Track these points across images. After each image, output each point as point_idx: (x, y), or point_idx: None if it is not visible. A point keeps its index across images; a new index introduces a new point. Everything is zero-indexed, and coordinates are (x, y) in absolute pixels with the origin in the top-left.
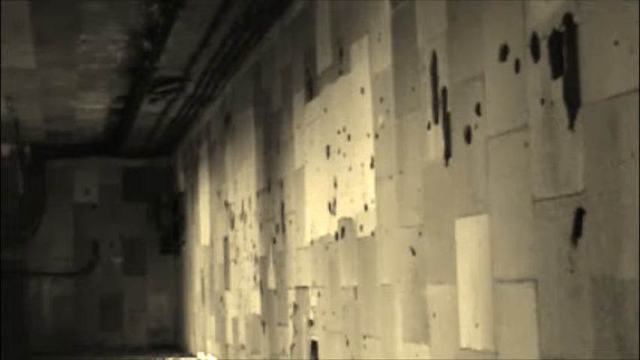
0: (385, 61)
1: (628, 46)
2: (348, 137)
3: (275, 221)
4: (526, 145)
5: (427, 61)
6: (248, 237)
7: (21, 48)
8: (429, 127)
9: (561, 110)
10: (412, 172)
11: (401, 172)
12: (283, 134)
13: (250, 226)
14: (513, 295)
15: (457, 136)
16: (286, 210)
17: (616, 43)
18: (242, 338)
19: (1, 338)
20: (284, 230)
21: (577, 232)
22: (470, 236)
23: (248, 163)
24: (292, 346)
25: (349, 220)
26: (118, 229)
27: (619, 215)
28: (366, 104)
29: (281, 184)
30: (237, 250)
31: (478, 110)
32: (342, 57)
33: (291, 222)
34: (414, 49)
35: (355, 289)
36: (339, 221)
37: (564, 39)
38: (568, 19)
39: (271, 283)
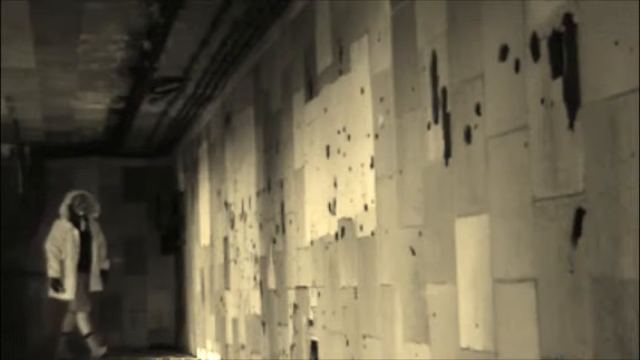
0: (385, 61)
1: (628, 46)
2: (348, 137)
3: (275, 221)
4: (526, 145)
5: (427, 61)
6: (248, 237)
7: (21, 48)
8: (429, 127)
9: (561, 110)
10: (412, 172)
11: (401, 172)
12: (283, 134)
13: (250, 226)
14: (513, 295)
15: (457, 136)
16: (286, 210)
17: (616, 43)
18: (242, 338)
19: (1, 338)
20: (284, 230)
21: (577, 232)
22: (470, 236)
23: (248, 163)
24: (292, 346)
25: (349, 220)
26: (118, 229)
27: (619, 215)
28: (366, 104)
29: (281, 184)
30: (237, 250)
31: (478, 110)
32: (342, 57)
33: (291, 222)
34: (414, 49)
35: (355, 289)
36: (339, 221)
37: (564, 39)
38: (568, 19)
39: (271, 283)
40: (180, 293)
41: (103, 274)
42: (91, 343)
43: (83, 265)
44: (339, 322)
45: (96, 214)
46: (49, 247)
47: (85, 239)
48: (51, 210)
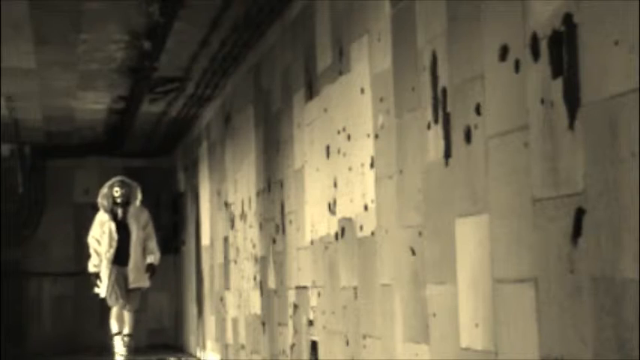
0: (385, 61)
1: (628, 46)
2: (348, 137)
3: (275, 221)
4: (526, 145)
5: (427, 61)
6: (248, 237)
7: (21, 48)
8: (429, 127)
9: (561, 110)
10: (412, 172)
11: (401, 172)
12: (283, 134)
13: (250, 226)
14: (513, 295)
15: (457, 136)
16: (286, 210)
17: (616, 43)
18: (242, 338)
19: (1, 338)
20: (284, 230)
21: (577, 232)
22: (470, 236)
23: (248, 163)
24: (292, 346)
25: (349, 220)
26: None
27: (619, 215)
28: (366, 104)
29: (281, 184)
30: (237, 250)
31: (478, 110)
32: (342, 57)
33: (291, 222)
34: (414, 49)
35: (355, 289)
36: (339, 221)
37: (564, 39)
38: (568, 19)
39: (271, 283)
40: (180, 293)
41: (150, 268)
42: (117, 342)
43: (120, 258)
44: (339, 322)
45: (137, 202)
46: (90, 240)
47: (123, 230)
48: (51, 210)
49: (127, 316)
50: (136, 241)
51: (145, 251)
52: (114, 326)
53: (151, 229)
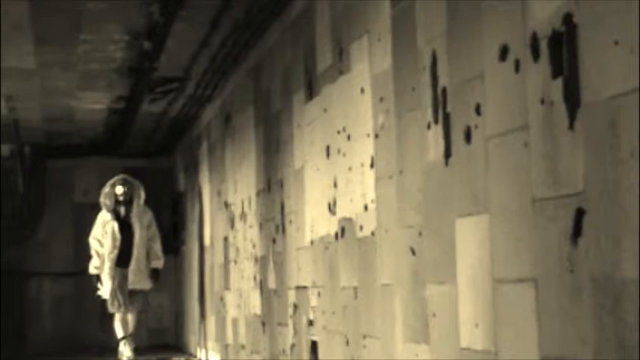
0: (385, 61)
1: (628, 46)
2: (348, 137)
3: (275, 221)
4: (526, 145)
5: (427, 61)
6: (248, 237)
7: (21, 48)
8: (429, 127)
9: (561, 110)
10: (412, 172)
11: (401, 172)
12: (283, 134)
13: (250, 226)
14: (513, 295)
15: (457, 136)
16: (286, 210)
17: (616, 43)
18: (242, 338)
19: (1, 338)
20: (284, 230)
21: (577, 232)
22: (470, 236)
23: (248, 163)
24: (292, 346)
25: (349, 220)
26: None
27: (619, 215)
28: (366, 104)
29: (281, 184)
30: (237, 250)
31: (478, 110)
32: (342, 57)
33: (291, 222)
34: (414, 49)
35: (355, 289)
36: (339, 221)
37: (564, 39)
38: (568, 19)
39: (271, 283)
40: (180, 293)
41: (155, 273)
42: (122, 347)
43: (122, 259)
44: (339, 322)
45: (140, 201)
46: (91, 241)
47: (126, 229)
48: (51, 210)
49: (129, 317)
50: (139, 241)
51: (148, 254)
52: (119, 331)
53: (154, 229)
